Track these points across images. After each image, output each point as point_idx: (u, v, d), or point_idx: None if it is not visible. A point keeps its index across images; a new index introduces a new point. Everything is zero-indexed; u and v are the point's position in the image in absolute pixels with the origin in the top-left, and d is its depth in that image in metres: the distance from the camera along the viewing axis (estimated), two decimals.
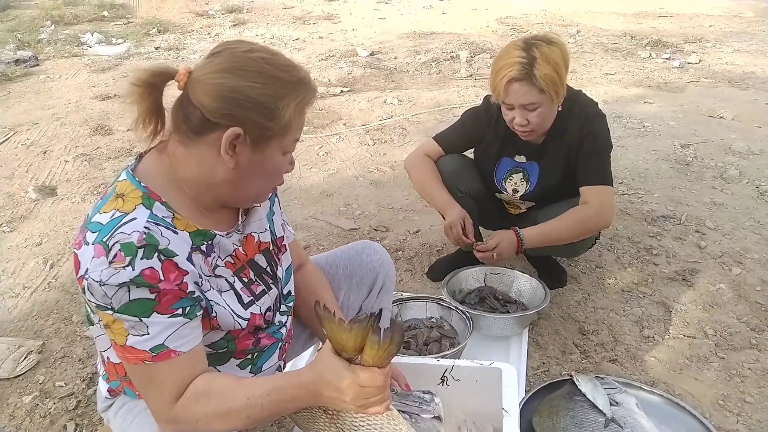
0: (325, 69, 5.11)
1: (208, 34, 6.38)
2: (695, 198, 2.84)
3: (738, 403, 1.67)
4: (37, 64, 5.25)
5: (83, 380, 1.79)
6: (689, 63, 5.17)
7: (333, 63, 5.30)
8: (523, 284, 2.04)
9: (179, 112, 0.99)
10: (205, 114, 0.95)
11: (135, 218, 0.94)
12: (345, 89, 4.56)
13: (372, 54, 5.55)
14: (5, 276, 2.32)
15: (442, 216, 2.02)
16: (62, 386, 1.77)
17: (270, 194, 1.14)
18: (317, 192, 3.01)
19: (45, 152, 3.48)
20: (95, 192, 2.98)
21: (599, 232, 2.07)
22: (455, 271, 2.07)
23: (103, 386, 1.18)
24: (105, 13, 7.00)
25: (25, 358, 1.86)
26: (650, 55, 5.41)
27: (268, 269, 1.18)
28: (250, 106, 0.94)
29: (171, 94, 1.03)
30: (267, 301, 1.15)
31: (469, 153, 2.14)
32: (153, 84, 0.99)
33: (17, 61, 5.17)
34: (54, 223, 2.71)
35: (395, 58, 5.46)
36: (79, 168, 3.27)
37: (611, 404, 1.50)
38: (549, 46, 1.73)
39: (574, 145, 1.89)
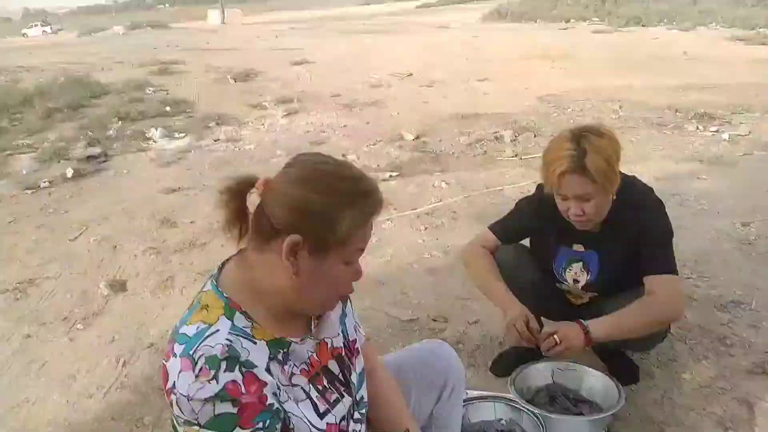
0: (373, 154, 5.29)
1: (262, 124, 6.74)
2: (764, 281, 2.73)
3: None
4: (106, 160, 5.63)
5: None
6: (739, 135, 5.11)
7: (381, 148, 5.48)
8: (594, 381, 1.97)
9: (255, 219, 1.06)
10: (273, 221, 1.01)
11: (218, 330, 0.98)
12: (393, 174, 4.69)
13: (418, 137, 5.72)
14: (80, 375, 2.40)
15: (503, 312, 2.01)
16: None
17: (337, 302, 1.17)
18: (372, 281, 3.03)
19: (115, 247, 3.66)
20: (163, 286, 3.10)
21: (670, 324, 2.01)
22: (521, 368, 2.02)
23: None
24: (167, 108, 7.52)
25: None
26: (697, 128, 5.39)
27: (341, 376, 1.19)
28: (309, 216, 1.00)
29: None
30: (341, 409, 1.16)
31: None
32: (236, 191, 1.06)
33: (88, 158, 5.58)
34: (125, 320, 2.81)
35: (440, 140, 5.60)
36: (148, 261, 3.43)
37: None
38: (599, 138, 1.75)
39: (633, 234, 1.88)
